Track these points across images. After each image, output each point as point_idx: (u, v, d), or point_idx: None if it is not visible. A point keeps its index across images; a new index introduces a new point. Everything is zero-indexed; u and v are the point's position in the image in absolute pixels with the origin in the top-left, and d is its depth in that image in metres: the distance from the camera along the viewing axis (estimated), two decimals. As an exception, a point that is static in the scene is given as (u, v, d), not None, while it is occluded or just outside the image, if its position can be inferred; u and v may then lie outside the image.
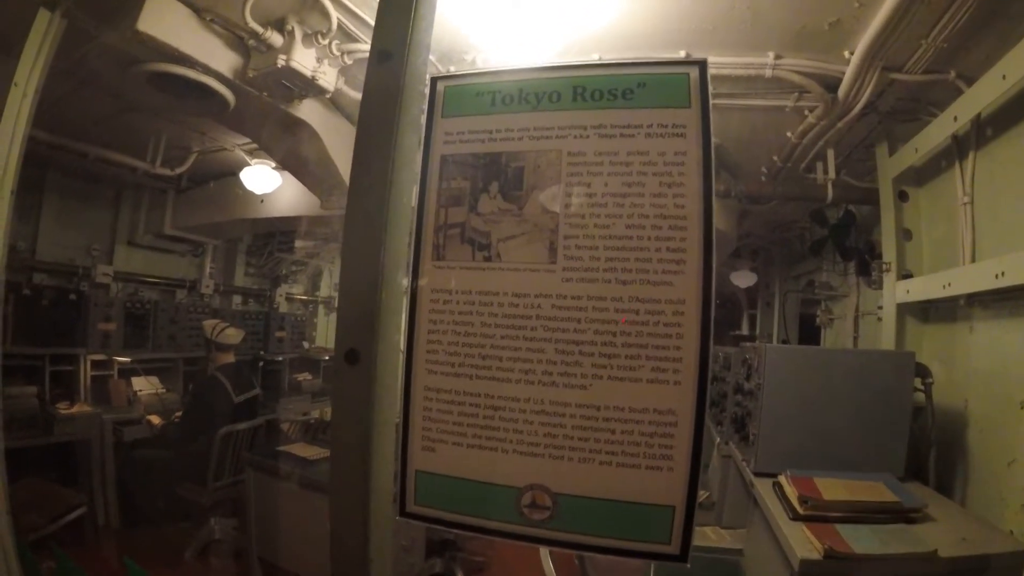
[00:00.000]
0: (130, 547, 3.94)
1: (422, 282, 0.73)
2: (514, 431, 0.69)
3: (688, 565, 0.64)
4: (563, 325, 0.69)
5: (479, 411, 0.71)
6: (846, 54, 2.49)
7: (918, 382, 2.40)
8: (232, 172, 4.94)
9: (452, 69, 2.09)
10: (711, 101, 0.70)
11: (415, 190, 0.76)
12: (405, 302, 0.73)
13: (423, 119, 0.77)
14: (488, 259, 0.72)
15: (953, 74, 2.48)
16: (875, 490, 1.82)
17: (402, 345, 0.73)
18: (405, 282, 0.80)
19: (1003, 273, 2.00)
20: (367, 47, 2.73)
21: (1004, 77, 2.07)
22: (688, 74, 0.72)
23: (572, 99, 0.74)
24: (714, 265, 0.66)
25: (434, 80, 0.79)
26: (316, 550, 3.23)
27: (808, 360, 2.30)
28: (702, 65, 0.72)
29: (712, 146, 0.69)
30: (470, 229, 0.73)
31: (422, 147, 0.76)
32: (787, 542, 1.60)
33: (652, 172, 0.70)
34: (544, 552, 2.84)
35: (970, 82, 2.41)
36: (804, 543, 1.55)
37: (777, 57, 2.58)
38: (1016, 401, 2.04)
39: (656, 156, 0.70)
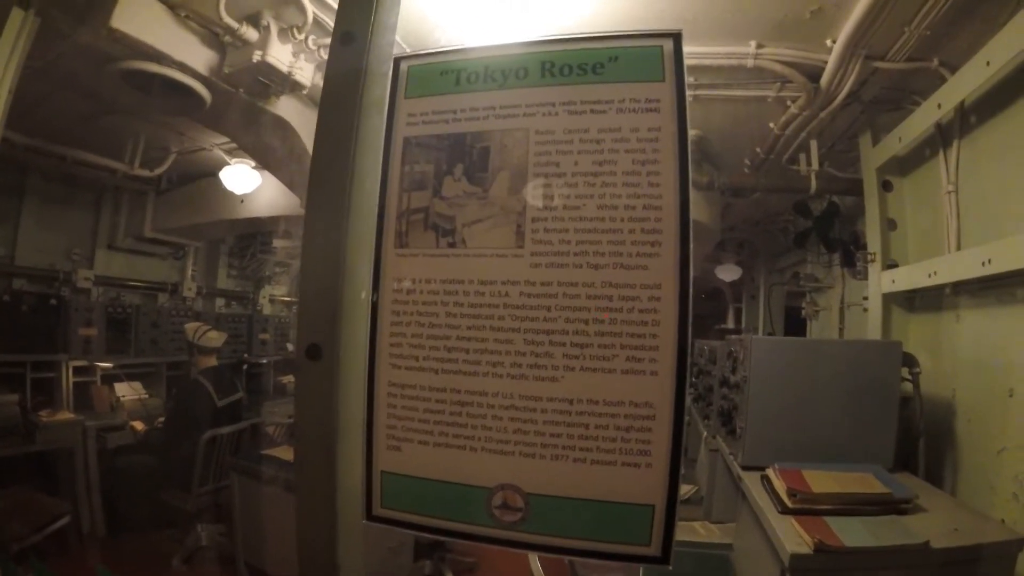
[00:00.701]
0: (116, 555, 3.87)
1: (384, 271, 0.69)
2: (482, 428, 0.65)
3: (670, 567, 0.60)
4: (532, 313, 0.65)
5: (445, 407, 0.66)
6: (828, 43, 2.47)
7: (905, 372, 2.39)
8: (212, 172, 4.87)
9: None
10: (686, 75, 0.66)
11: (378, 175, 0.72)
12: (368, 293, 0.69)
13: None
14: (452, 245, 0.68)
15: (936, 62, 2.47)
16: (864, 481, 1.81)
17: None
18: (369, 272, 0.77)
19: (990, 260, 1.99)
20: (344, 41, 2.71)
21: (988, 63, 2.06)
22: (662, 47, 0.68)
23: (540, 75, 0.70)
24: (691, 247, 0.63)
25: (397, 60, 0.74)
26: (303, 554, 3.17)
27: (794, 351, 2.28)
28: (676, 37, 0.68)
29: (687, 121, 0.65)
30: (434, 214, 0.69)
31: (384, 130, 0.71)
32: (776, 536, 1.57)
33: (624, 149, 0.66)
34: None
35: (954, 70, 2.39)
36: (794, 537, 1.52)
37: (759, 47, 2.56)
38: (1004, 389, 2.04)
39: (629, 132, 0.66)
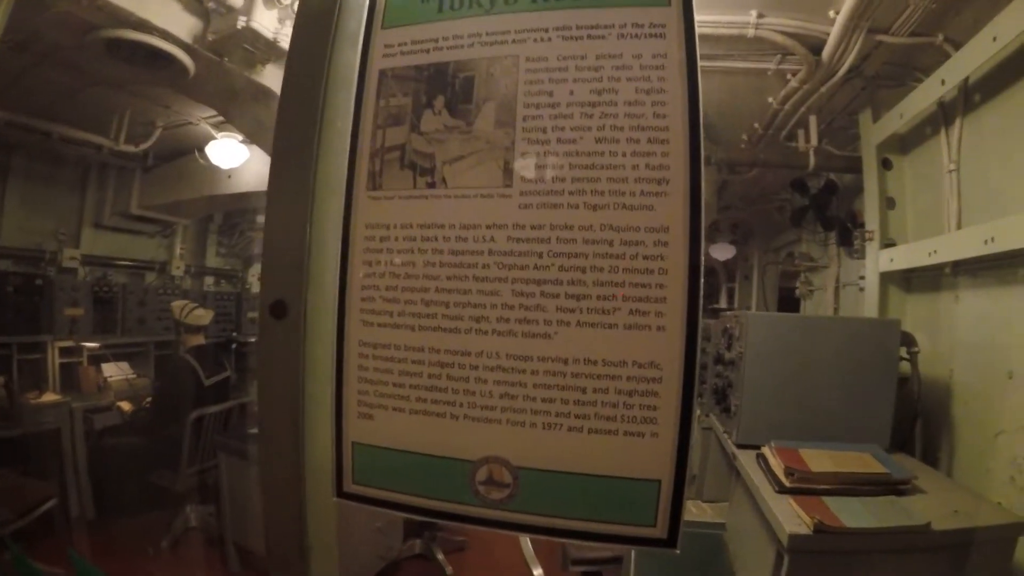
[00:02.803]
0: (105, 538, 3.83)
1: (355, 217, 0.61)
2: (465, 392, 0.57)
3: (677, 551, 0.54)
4: (521, 261, 0.57)
5: (423, 369, 0.58)
6: (831, 14, 2.40)
7: (903, 351, 2.36)
8: (199, 147, 4.76)
9: None
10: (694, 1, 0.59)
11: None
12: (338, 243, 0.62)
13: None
14: (432, 185, 0.60)
15: (941, 37, 2.40)
16: (862, 461, 1.77)
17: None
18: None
19: (992, 239, 1.94)
20: (331, 7, 2.62)
21: (995, 39, 2.00)
22: None
23: None
24: (703, 185, 0.55)
25: None
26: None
27: (791, 328, 2.24)
28: None
29: (697, 48, 0.57)
30: (411, 151, 0.60)
31: (358, 63, 0.64)
32: (774, 516, 1.53)
33: (626, 77, 0.59)
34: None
35: (958, 46, 2.33)
36: (792, 517, 1.48)
37: (759, 16, 2.48)
38: (1003, 371, 2.01)
39: (631, 59, 0.59)
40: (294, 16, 0.65)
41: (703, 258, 0.55)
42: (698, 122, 0.56)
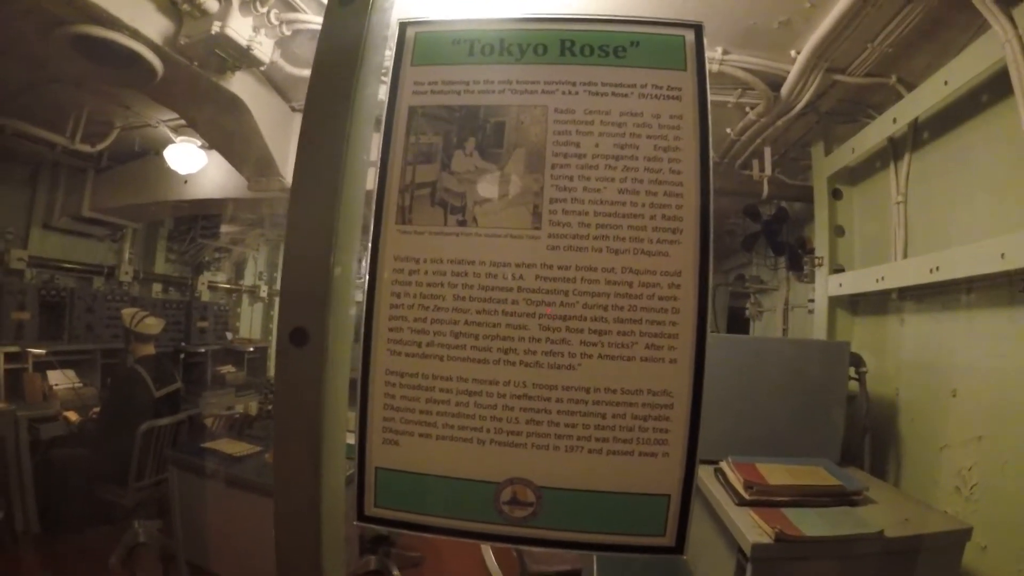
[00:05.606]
0: (51, 554, 3.65)
1: (383, 250, 0.64)
2: (492, 419, 0.61)
3: (684, 556, 0.59)
4: (548, 298, 0.62)
5: (451, 397, 0.62)
6: (792, 53, 2.53)
7: (852, 371, 2.49)
8: (156, 150, 4.62)
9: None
10: (707, 67, 0.67)
11: (375, 146, 0.67)
12: (364, 273, 0.64)
13: (388, 67, 0.69)
14: (462, 223, 0.63)
15: (894, 78, 2.56)
16: (816, 474, 1.87)
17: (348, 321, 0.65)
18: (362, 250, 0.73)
19: (938, 268, 2.08)
20: (307, 17, 2.60)
21: (946, 83, 2.15)
22: (683, 36, 0.69)
23: (560, 53, 0.67)
24: (712, 236, 0.62)
25: (403, 25, 0.69)
26: (246, 552, 3.09)
27: (745, 349, 2.33)
28: (697, 29, 0.69)
29: (709, 113, 0.65)
30: (442, 189, 0.64)
31: (387, 97, 0.67)
32: (736, 527, 1.61)
33: (646, 135, 0.65)
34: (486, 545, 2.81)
35: (910, 87, 2.49)
36: (753, 528, 1.56)
37: (725, 52, 2.60)
38: (947, 390, 2.14)
39: (650, 118, 0.65)
40: (316, 45, 0.66)
41: (710, 299, 0.61)
42: (708, 178, 0.63)
